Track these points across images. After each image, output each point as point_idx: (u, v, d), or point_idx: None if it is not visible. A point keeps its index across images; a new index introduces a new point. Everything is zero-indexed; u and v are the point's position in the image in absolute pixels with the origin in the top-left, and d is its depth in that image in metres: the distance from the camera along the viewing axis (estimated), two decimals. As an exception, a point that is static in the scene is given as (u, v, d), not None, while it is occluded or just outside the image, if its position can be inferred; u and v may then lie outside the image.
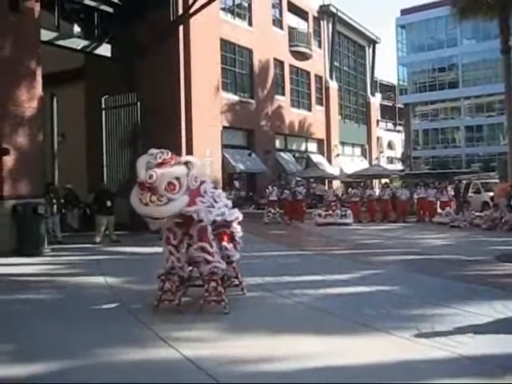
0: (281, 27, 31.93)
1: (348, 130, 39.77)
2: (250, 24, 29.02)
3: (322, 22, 36.59)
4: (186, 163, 6.02)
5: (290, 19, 33.07)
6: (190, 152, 16.29)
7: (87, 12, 16.06)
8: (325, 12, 36.47)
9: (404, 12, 60.67)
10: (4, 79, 12.41)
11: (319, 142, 36.18)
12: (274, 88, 30.87)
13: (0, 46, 12.31)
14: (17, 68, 12.88)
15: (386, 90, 64.60)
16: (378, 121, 51.38)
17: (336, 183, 34.79)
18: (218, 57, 20.22)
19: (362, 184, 31.50)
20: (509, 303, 6.29)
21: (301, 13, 34.27)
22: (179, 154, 7.82)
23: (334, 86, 37.37)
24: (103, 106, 16.67)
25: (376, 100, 48.64)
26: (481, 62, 54.87)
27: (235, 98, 27.45)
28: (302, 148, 34.90)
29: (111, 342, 5.06)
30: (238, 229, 7.04)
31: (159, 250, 6.93)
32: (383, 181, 34.99)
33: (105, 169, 16.42)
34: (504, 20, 22.36)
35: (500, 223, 16.72)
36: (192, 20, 17.04)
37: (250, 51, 28.91)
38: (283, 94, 31.97)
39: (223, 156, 22.85)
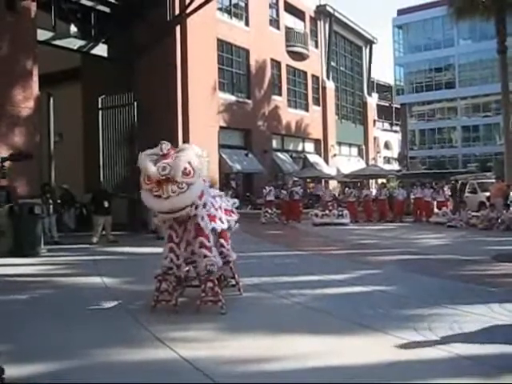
0: (278, 27, 31.93)
1: (345, 130, 39.81)
2: (247, 24, 29.01)
3: (318, 22, 36.61)
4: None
5: (287, 19, 33.07)
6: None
7: (84, 12, 16.06)
8: (321, 12, 36.50)
9: (401, 12, 60.72)
10: (0, 79, 12.40)
11: (316, 142, 36.20)
12: (271, 88, 30.86)
13: (-4, 46, 12.30)
14: (13, 68, 12.88)
15: (383, 90, 64.70)
16: (374, 121, 51.45)
17: (333, 183, 34.82)
18: (215, 57, 20.24)
19: (358, 184, 31.53)
20: (506, 303, 6.30)
21: (297, 13, 34.29)
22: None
23: (330, 86, 37.40)
24: (100, 105, 16.66)
25: (373, 100, 48.70)
26: (477, 63, 54.98)
27: (232, 98, 27.44)
28: (299, 148, 34.91)
29: (108, 342, 5.05)
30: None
31: (156, 250, 6.92)
32: (380, 181, 35.04)
33: (101, 169, 16.41)
34: (500, 20, 22.45)
35: (496, 223, 16.75)
36: (189, 20, 17.06)
37: (247, 51, 28.89)
38: (280, 94, 31.97)
39: (220, 156, 22.88)
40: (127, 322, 5.84)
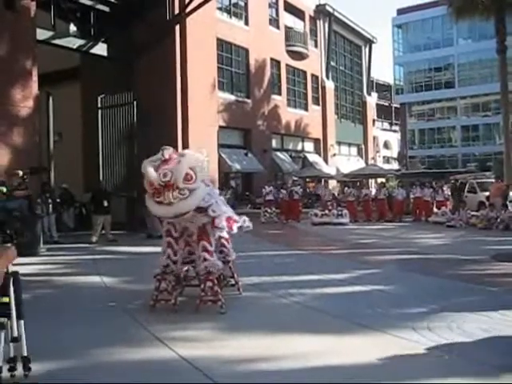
0: (277, 27, 31.94)
1: (344, 129, 39.82)
2: (247, 23, 29.02)
3: (318, 22, 36.62)
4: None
5: (287, 19, 33.08)
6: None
7: (83, 11, 16.03)
8: (321, 11, 36.51)
9: (400, 12, 60.71)
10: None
11: (315, 141, 36.21)
12: (271, 87, 30.87)
13: (-4, 45, 12.29)
14: (13, 67, 12.85)
15: (383, 89, 64.66)
16: (374, 120, 51.44)
17: (332, 183, 34.82)
18: (215, 56, 20.21)
19: (358, 184, 31.51)
20: (505, 302, 6.30)
21: (297, 12, 34.30)
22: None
23: (330, 85, 37.40)
24: (99, 105, 16.63)
25: (372, 100, 48.71)
26: (477, 62, 54.95)
27: (231, 97, 27.44)
28: (299, 148, 34.92)
29: (107, 341, 5.05)
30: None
31: (156, 249, 6.92)
32: (379, 180, 35.02)
33: (101, 168, 16.37)
34: (500, 20, 22.46)
35: (496, 223, 16.75)
36: (188, 19, 17.03)
37: (247, 51, 28.90)
38: (279, 94, 31.98)
39: (219, 156, 22.85)
40: (126, 322, 5.84)
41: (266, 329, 5.39)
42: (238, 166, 26.50)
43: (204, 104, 18.16)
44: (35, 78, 13.40)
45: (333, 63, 38.56)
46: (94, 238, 13.51)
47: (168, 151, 5.84)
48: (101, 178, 16.14)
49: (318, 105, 36.29)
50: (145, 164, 5.83)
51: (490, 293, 7.01)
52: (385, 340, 4.98)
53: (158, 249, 6.73)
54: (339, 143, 39.28)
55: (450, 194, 22.35)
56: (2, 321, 3.55)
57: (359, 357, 4.50)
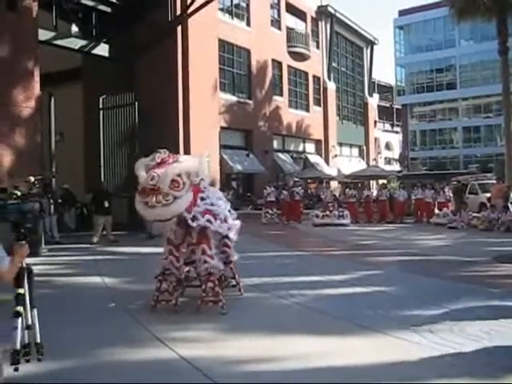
0: (279, 28, 31.94)
1: (346, 130, 39.81)
2: (248, 24, 29.02)
3: (320, 23, 36.62)
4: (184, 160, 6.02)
5: (288, 20, 33.08)
6: (187, 152, 16.29)
7: (85, 12, 16.07)
8: (323, 13, 36.51)
9: (402, 13, 60.72)
10: (2, 79, 12.42)
11: (317, 142, 36.20)
12: (272, 89, 30.87)
13: (-2, 46, 12.31)
14: (15, 67, 12.88)
15: (384, 90, 64.64)
16: (375, 122, 51.40)
17: (333, 184, 34.79)
18: (216, 57, 20.24)
19: (359, 185, 31.50)
20: (506, 304, 6.29)
21: (299, 13, 34.29)
22: (177, 154, 7.82)
23: (331, 86, 37.40)
24: (101, 105, 16.65)
25: (374, 101, 48.68)
26: (479, 63, 54.91)
27: (233, 98, 27.44)
28: (300, 149, 34.91)
29: (108, 341, 5.06)
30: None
31: (157, 250, 6.92)
32: (381, 181, 34.99)
33: (102, 169, 16.39)
34: (502, 21, 22.41)
35: (497, 224, 16.73)
36: (190, 20, 17.07)
37: (248, 52, 28.90)
38: (281, 95, 31.97)
39: (221, 156, 22.89)
40: (127, 322, 5.84)
41: (267, 329, 5.39)
42: (239, 167, 26.50)
43: (206, 105, 18.18)
44: (37, 78, 13.43)
45: (334, 64, 38.56)
46: (95, 239, 13.51)
47: (161, 155, 5.83)
48: (102, 178, 16.16)
49: (320, 106, 36.28)
50: (138, 164, 5.85)
51: (492, 294, 7.00)
52: (386, 341, 4.97)
53: (159, 249, 6.74)
54: (340, 144, 39.27)
55: (451, 195, 22.32)
56: (19, 309, 3.90)
57: (360, 358, 4.50)
